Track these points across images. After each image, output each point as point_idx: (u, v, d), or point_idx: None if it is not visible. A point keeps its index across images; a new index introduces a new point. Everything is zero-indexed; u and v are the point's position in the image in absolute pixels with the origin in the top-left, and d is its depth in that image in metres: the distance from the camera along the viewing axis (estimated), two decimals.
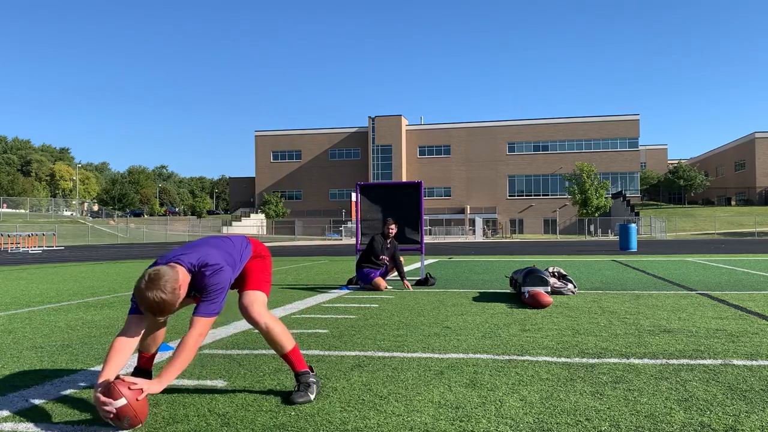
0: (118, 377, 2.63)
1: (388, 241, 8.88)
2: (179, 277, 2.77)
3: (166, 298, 2.67)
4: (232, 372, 3.54)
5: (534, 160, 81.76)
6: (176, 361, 2.73)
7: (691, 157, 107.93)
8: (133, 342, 2.80)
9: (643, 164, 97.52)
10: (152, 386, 2.66)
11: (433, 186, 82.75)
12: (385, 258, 8.76)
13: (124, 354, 2.75)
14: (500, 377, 3.35)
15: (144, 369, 3.21)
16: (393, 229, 8.85)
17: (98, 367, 3.69)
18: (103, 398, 2.53)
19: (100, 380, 2.63)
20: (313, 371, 3.11)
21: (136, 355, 3.27)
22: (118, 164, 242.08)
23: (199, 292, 2.92)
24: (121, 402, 2.51)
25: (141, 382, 2.62)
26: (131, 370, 3.53)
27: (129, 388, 2.57)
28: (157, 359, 3.88)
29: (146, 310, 2.70)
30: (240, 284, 3.19)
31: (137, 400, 2.56)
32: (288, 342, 3.06)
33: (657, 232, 58.53)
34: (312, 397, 2.96)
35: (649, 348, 4.12)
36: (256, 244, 3.31)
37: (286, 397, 2.97)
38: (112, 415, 2.52)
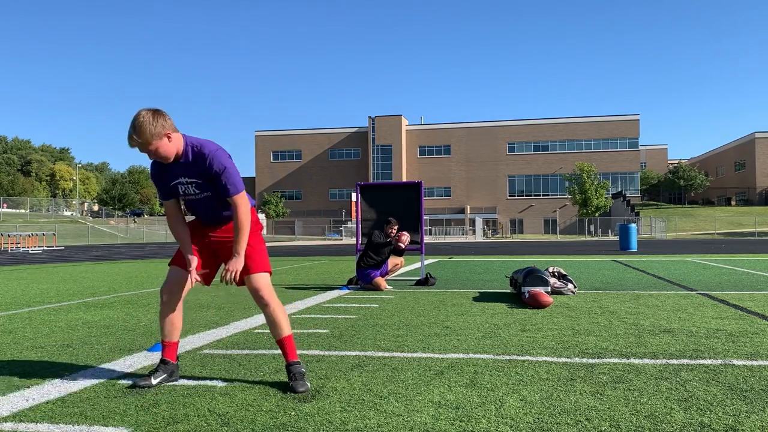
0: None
1: (388, 240, 8.87)
2: (172, 129, 3.05)
3: (150, 125, 2.95)
4: (232, 372, 3.54)
5: (534, 160, 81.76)
6: (240, 237, 3.15)
7: (691, 157, 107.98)
8: (182, 220, 3.30)
9: (643, 164, 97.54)
10: (235, 263, 3.13)
11: (433, 186, 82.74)
12: (392, 234, 8.76)
13: (185, 231, 3.28)
14: (500, 377, 3.35)
15: (168, 361, 3.31)
16: (395, 231, 8.86)
17: (98, 367, 3.69)
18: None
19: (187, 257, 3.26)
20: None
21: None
22: (118, 164, 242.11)
23: (211, 179, 3.14)
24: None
25: (231, 264, 3.14)
26: (157, 362, 3.47)
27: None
28: (147, 361, 3.88)
29: (130, 130, 2.97)
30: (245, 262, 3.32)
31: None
32: (288, 326, 3.29)
33: (657, 232, 58.53)
34: (309, 385, 3.15)
35: (649, 348, 4.12)
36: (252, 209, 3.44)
37: (286, 394, 2.98)
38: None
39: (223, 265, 3.34)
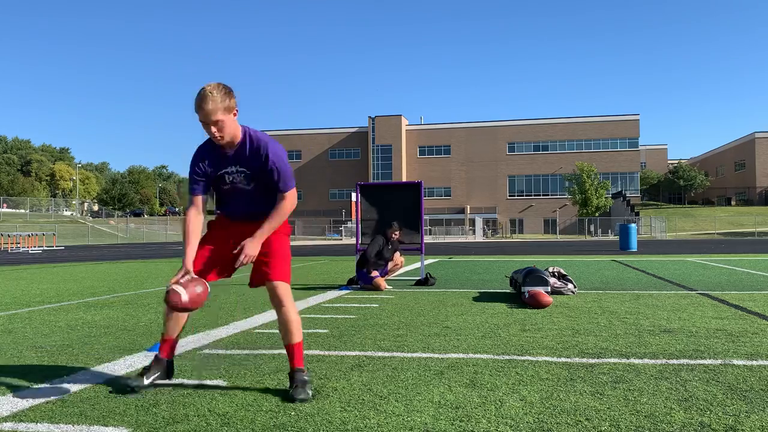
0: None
1: (390, 242, 8.87)
2: (234, 113, 2.98)
3: (219, 94, 2.88)
4: (232, 372, 3.54)
5: (534, 160, 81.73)
6: (270, 224, 3.05)
7: (691, 157, 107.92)
8: (201, 221, 3.15)
9: (643, 164, 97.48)
10: (251, 246, 3.00)
11: (433, 186, 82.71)
12: (394, 238, 8.91)
13: (198, 233, 3.11)
14: (500, 377, 3.35)
15: (162, 359, 3.24)
16: (396, 235, 8.87)
17: (98, 367, 3.69)
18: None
19: (184, 267, 2.98)
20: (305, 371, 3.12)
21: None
22: (118, 164, 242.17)
23: (266, 174, 3.05)
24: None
25: (246, 247, 2.99)
26: (144, 364, 3.53)
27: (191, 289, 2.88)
28: (147, 361, 3.89)
29: (197, 99, 2.89)
30: (266, 264, 3.14)
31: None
32: (298, 333, 3.15)
33: (657, 232, 58.52)
34: (311, 394, 2.97)
35: (649, 348, 4.12)
36: None
37: (286, 397, 2.97)
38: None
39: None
